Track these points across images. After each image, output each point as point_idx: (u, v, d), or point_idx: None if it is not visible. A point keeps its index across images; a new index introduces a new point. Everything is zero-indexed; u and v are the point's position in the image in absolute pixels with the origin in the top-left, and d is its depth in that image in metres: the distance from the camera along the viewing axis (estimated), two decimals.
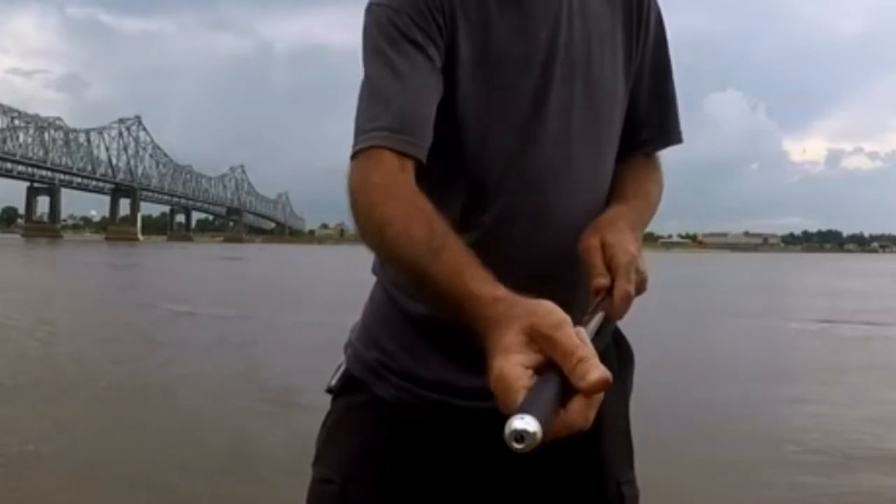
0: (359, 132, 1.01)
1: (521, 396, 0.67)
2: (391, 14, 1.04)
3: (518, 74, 1.08)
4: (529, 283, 1.02)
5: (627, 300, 0.96)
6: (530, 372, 0.69)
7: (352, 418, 1.17)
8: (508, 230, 1.09)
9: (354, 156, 1.00)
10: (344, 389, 1.19)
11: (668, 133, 1.23)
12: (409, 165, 0.99)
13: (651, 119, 1.21)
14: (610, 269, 0.97)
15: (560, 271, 1.08)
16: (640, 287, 0.99)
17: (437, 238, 0.89)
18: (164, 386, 6.89)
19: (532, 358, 0.70)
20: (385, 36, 1.04)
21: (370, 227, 0.96)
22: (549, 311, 0.74)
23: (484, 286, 0.82)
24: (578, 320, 1.08)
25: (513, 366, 0.69)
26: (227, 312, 13.37)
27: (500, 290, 0.81)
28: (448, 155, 1.07)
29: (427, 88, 1.03)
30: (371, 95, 1.03)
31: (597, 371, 0.67)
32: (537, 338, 0.71)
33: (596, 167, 1.14)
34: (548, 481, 1.13)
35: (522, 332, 0.72)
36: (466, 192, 1.09)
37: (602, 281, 0.96)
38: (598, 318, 0.90)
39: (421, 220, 0.92)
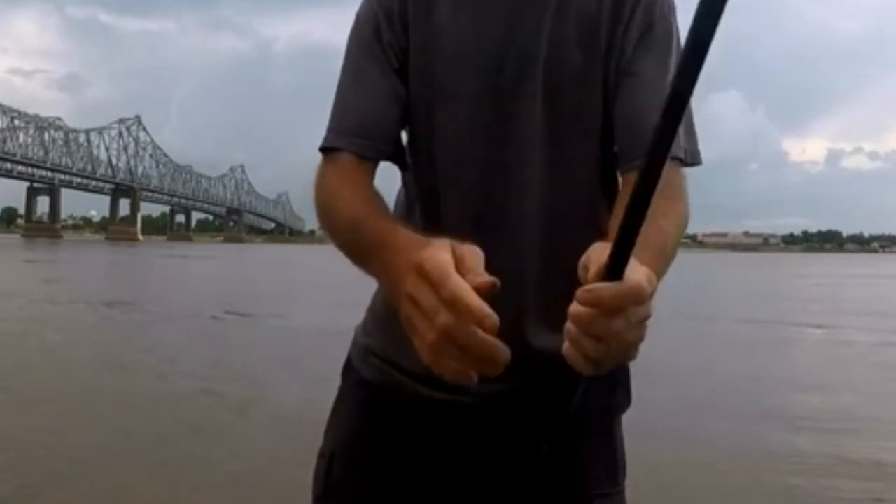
0: (328, 128, 1.10)
1: (456, 276, 0.69)
2: (360, 24, 1.13)
3: (462, 74, 1.08)
4: None
5: (639, 294, 0.75)
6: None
7: (345, 399, 1.24)
8: (456, 230, 1.03)
9: (322, 153, 1.10)
10: (344, 372, 1.26)
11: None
12: (365, 165, 1.07)
13: (647, 129, 1.11)
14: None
15: (519, 275, 1.07)
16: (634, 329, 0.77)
17: (363, 212, 0.98)
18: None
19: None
20: (353, 44, 1.13)
21: (318, 215, 1.06)
22: (472, 246, 0.74)
23: (397, 224, 0.91)
24: (527, 325, 1.06)
25: (445, 255, 0.72)
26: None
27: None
28: (411, 157, 1.14)
29: (383, 93, 1.09)
30: (336, 99, 1.12)
31: (488, 279, 0.70)
32: (457, 255, 0.72)
33: (561, 172, 1.10)
34: (521, 482, 1.13)
35: (450, 246, 0.73)
36: (421, 195, 1.13)
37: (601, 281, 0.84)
38: None
39: (354, 203, 1.00)
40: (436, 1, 1.10)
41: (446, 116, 1.10)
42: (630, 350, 0.72)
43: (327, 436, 1.24)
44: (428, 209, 1.13)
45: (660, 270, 0.88)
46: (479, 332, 0.67)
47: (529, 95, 1.08)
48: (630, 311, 0.69)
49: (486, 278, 0.69)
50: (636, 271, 0.69)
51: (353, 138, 1.08)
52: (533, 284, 1.07)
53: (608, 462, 1.18)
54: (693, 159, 1.09)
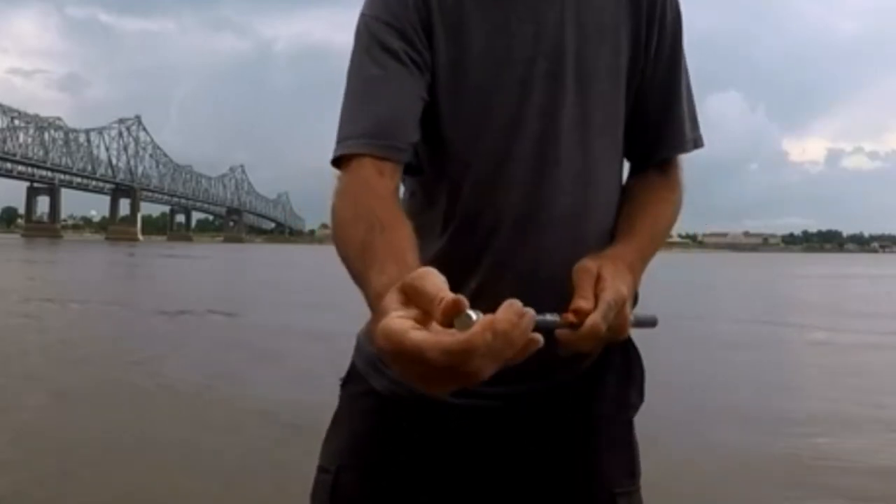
0: (339, 139, 1.03)
1: (413, 335, 0.66)
2: (368, 22, 1.07)
3: (496, 72, 1.07)
4: (519, 285, 1.00)
5: (594, 336, 0.88)
6: (412, 323, 0.67)
7: (349, 409, 1.20)
8: (494, 231, 1.08)
9: (338, 163, 1.02)
10: (347, 380, 1.22)
11: (679, 140, 1.18)
12: (389, 168, 1.00)
13: (659, 124, 1.17)
14: (595, 299, 0.91)
15: (550, 273, 1.04)
16: (618, 330, 0.93)
17: (368, 236, 0.89)
18: None
19: (411, 313, 0.68)
20: (362, 45, 1.07)
21: (332, 228, 0.98)
22: (421, 270, 0.71)
23: (382, 276, 0.81)
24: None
25: (394, 318, 0.68)
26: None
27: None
28: (436, 157, 1.09)
29: (402, 91, 1.03)
30: (348, 103, 1.05)
31: (451, 296, 0.66)
32: (409, 292, 0.69)
33: (590, 166, 1.10)
34: (534, 481, 1.13)
35: (398, 292, 0.71)
36: (450, 195, 1.09)
37: (584, 304, 0.89)
38: (549, 317, 0.83)
39: (362, 221, 0.92)
40: (464, 13, 1.07)
41: (477, 114, 1.07)
42: (621, 332, 0.94)
43: (328, 449, 1.19)
44: (460, 211, 1.09)
45: (649, 252, 1.08)
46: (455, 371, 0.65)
47: (562, 88, 1.07)
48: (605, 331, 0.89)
49: (446, 299, 0.66)
50: (599, 309, 0.89)
51: (368, 140, 1.00)
52: (556, 285, 1.01)
53: (627, 460, 1.18)
54: (696, 145, 1.20)
